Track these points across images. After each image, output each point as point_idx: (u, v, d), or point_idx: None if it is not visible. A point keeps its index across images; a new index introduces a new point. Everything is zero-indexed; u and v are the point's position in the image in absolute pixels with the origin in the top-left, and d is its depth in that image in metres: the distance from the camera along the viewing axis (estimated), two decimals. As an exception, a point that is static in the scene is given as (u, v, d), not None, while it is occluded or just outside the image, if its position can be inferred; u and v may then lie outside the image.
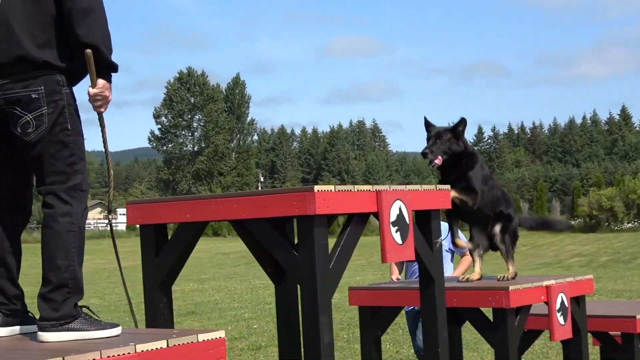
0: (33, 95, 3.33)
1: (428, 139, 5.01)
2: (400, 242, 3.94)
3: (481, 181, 5.03)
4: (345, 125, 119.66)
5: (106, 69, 3.46)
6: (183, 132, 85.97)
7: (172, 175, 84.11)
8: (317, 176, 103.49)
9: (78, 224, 3.38)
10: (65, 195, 3.36)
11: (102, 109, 3.57)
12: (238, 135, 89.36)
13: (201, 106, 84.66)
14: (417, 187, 4.18)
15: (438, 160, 4.88)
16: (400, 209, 3.95)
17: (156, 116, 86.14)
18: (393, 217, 3.90)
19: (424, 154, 4.96)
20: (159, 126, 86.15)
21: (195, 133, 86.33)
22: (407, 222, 3.99)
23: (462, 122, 5.00)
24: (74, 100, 3.48)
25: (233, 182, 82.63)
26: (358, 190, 3.79)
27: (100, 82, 3.45)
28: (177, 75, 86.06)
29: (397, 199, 3.94)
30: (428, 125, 5.07)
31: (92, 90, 3.45)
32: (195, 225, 4.08)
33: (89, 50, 3.34)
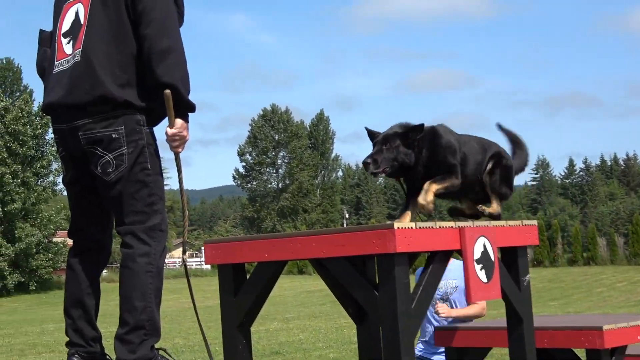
0: (114, 135, 3.39)
1: (374, 146, 4.23)
2: (485, 280, 3.83)
3: (453, 154, 4.22)
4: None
5: (184, 109, 3.50)
6: (267, 169, 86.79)
7: (257, 213, 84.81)
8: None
9: (156, 265, 3.40)
10: (144, 235, 3.40)
11: (180, 149, 3.60)
12: (322, 172, 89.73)
13: (285, 143, 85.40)
14: (502, 223, 4.07)
15: (382, 175, 4.16)
16: (484, 246, 3.85)
17: (241, 154, 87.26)
18: (477, 255, 3.80)
19: (364, 164, 4.15)
20: (244, 164, 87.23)
21: (280, 170, 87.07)
22: (492, 259, 3.88)
23: (417, 128, 4.17)
24: (154, 139, 3.52)
25: (318, 219, 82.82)
26: (440, 227, 3.71)
27: (178, 122, 3.48)
28: (261, 112, 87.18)
29: (481, 236, 3.84)
30: (372, 135, 4.26)
31: (170, 131, 3.49)
32: (274, 265, 4.06)
33: (167, 91, 3.38)
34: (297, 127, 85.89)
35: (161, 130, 3.60)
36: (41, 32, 3.84)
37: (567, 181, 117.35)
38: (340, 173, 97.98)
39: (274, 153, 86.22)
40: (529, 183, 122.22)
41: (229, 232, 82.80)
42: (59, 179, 52.13)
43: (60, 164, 3.92)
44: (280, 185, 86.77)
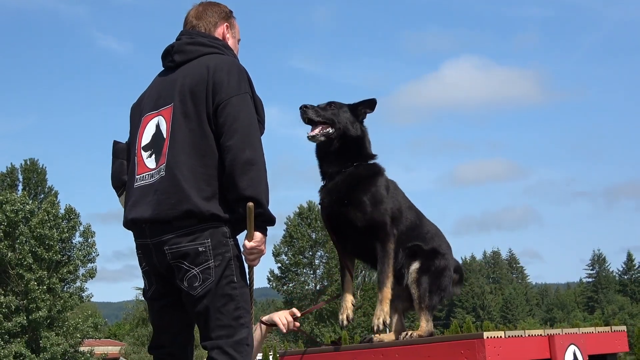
0: (200, 249, 3.54)
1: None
2: (577, 391, 3.90)
3: (386, 190, 3.92)
4: (479, 256, 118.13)
5: (265, 222, 3.64)
6: (304, 270, 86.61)
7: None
8: (449, 312, 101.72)
9: None
10: (231, 350, 3.51)
11: (255, 263, 3.74)
12: (363, 271, 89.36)
13: (323, 242, 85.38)
14: (591, 329, 4.17)
15: (319, 131, 3.88)
16: (574, 354, 3.93)
17: (276, 254, 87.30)
18: (568, 364, 3.89)
19: (303, 109, 3.91)
20: (279, 264, 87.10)
21: (317, 270, 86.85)
22: (583, 368, 3.96)
23: (370, 102, 3.97)
24: (239, 251, 3.67)
25: (359, 322, 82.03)
26: (529, 335, 3.81)
27: (258, 235, 3.63)
28: (297, 210, 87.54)
29: (571, 344, 3.93)
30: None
31: (249, 244, 3.62)
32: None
33: (250, 204, 3.53)
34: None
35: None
36: (115, 143, 4.04)
37: (625, 277, 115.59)
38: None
39: (310, 253, 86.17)
40: (585, 280, 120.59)
41: (266, 339, 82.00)
42: (87, 285, 52.52)
43: (142, 278, 3.98)
44: (318, 287, 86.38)
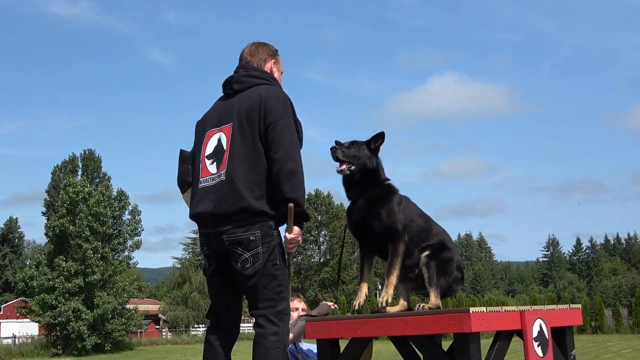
0: (251, 238, 3.66)
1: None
2: (541, 355, 4.01)
3: (398, 205, 4.06)
4: (454, 238, 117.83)
5: (302, 219, 3.79)
6: (311, 246, 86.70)
7: (301, 284, 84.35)
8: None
9: (283, 342, 3.65)
10: (274, 317, 3.65)
11: (293, 250, 3.88)
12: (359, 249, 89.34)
13: (327, 223, 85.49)
14: (554, 307, 4.28)
15: (345, 167, 3.97)
16: (540, 326, 4.04)
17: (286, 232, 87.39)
18: (535, 334, 3.99)
19: (333, 148, 4.00)
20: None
21: (322, 247, 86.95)
22: (547, 337, 4.08)
23: (379, 136, 4.06)
24: (281, 240, 3.81)
25: (354, 289, 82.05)
26: (505, 310, 3.94)
27: (296, 229, 3.76)
28: (307, 197, 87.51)
29: (538, 318, 4.04)
30: (338, 144, 4.09)
31: (289, 236, 3.76)
32: (365, 340, 4.28)
33: (291, 204, 3.68)
34: (337, 209, 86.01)
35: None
36: (182, 152, 4.16)
37: (575, 258, 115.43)
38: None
39: (317, 232, 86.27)
40: (541, 259, 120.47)
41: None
42: (133, 254, 52.60)
43: (202, 258, 4.12)
44: (322, 260, 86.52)
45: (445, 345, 4.31)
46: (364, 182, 4.10)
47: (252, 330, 3.83)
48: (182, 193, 4.18)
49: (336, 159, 4.04)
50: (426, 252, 4.13)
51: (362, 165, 4.04)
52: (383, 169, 4.21)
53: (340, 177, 4.16)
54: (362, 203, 4.08)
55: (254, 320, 3.70)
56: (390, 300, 4.10)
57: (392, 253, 4.02)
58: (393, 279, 4.04)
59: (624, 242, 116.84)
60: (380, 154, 4.19)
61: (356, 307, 4.14)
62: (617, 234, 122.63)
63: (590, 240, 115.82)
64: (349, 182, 4.13)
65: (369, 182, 4.10)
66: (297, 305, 5.61)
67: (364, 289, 4.24)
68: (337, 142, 4.11)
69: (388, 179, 4.20)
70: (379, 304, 4.07)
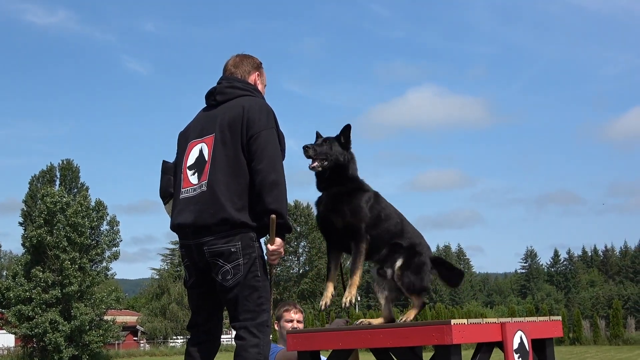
0: (232, 249, 3.65)
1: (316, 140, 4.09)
2: (522, 367, 4.04)
3: (366, 203, 4.00)
4: (433, 249, 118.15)
5: (284, 230, 3.77)
6: (290, 257, 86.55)
7: (280, 295, 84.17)
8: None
9: (264, 354, 3.64)
10: (255, 330, 3.63)
11: (275, 262, 3.87)
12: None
13: (306, 234, 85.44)
14: (534, 319, 4.29)
15: (317, 164, 3.95)
16: (521, 338, 4.05)
17: (266, 243, 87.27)
18: (515, 346, 4.00)
19: (305, 147, 3.95)
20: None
21: (301, 258, 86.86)
22: (527, 349, 4.08)
23: (346, 128, 4.05)
24: (262, 252, 3.79)
25: (334, 301, 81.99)
26: (486, 322, 3.94)
27: (278, 241, 3.75)
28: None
29: (519, 330, 4.05)
30: (318, 136, 4.12)
31: (271, 247, 3.75)
32: (346, 352, 4.26)
33: (274, 216, 3.66)
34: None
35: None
36: (164, 162, 4.15)
37: (552, 269, 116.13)
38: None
39: (296, 243, 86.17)
40: (519, 271, 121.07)
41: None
42: (112, 265, 52.26)
43: (183, 269, 4.07)
44: (301, 271, 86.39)
45: (426, 356, 4.31)
46: (333, 177, 4.05)
47: (232, 342, 3.81)
48: (164, 204, 4.17)
49: (308, 156, 4.00)
50: (399, 262, 4.07)
51: (334, 161, 4.00)
52: (355, 164, 4.14)
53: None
54: (327, 197, 4.02)
55: (235, 332, 3.68)
56: (353, 301, 4.10)
57: (355, 253, 3.98)
58: (356, 279, 4.01)
59: (601, 253, 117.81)
60: (358, 157, 4.15)
61: (322, 307, 4.12)
62: (595, 245, 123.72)
63: (568, 252, 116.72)
64: (320, 177, 4.08)
65: (337, 177, 4.04)
66: (293, 317, 5.51)
67: (330, 288, 4.20)
68: (313, 145, 4.01)
69: (356, 177, 4.12)
70: (343, 304, 4.04)
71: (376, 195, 4.20)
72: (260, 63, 4.21)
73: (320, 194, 4.22)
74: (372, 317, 4.25)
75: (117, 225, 48.42)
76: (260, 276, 3.72)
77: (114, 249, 47.85)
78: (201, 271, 3.80)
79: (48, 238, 43.55)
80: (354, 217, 3.96)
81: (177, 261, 74.93)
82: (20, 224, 57.17)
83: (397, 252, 4.10)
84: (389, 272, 4.15)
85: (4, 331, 48.21)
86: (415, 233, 4.26)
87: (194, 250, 3.76)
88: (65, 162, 60.17)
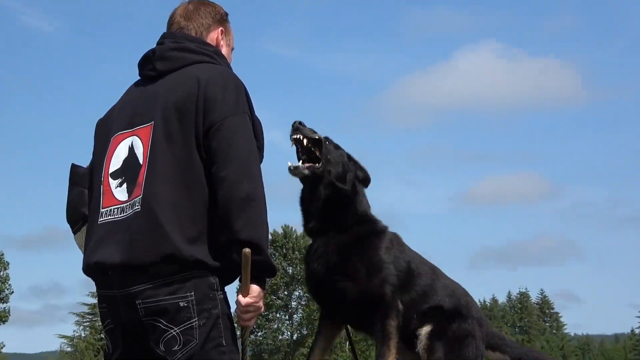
0: (181, 304, 3.61)
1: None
2: None
3: (387, 253, 4.03)
4: (502, 299, 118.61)
5: (263, 272, 3.72)
6: (278, 315, 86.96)
7: None
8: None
9: None
10: None
11: (251, 323, 3.83)
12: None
13: (301, 279, 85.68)
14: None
15: (308, 167, 4.07)
16: None
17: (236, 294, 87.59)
18: None
19: (296, 126, 4.12)
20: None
21: (295, 315, 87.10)
22: None
23: (365, 174, 4.19)
24: (229, 307, 3.76)
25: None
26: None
27: (255, 289, 3.70)
28: (270, 237, 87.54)
29: None
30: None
31: (244, 300, 3.70)
32: None
33: (247, 250, 3.59)
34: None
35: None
36: (74, 166, 4.11)
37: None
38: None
39: (286, 292, 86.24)
40: (637, 330, 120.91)
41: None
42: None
43: (104, 336, 4.03)
44: (295, 337, 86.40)
45: None
46: (333, 209, 4.06)
47: None
48: (74, 232, 4.16)
49: (297, 143, 4.02)
50: (428, 327, 4.04)
51: (337, 174, 4.01)
52: (365, 195, 4.20)
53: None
54: (325, 247, 4.04)
55: None
56: None
57: (382, 337, 3.91)
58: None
59: None
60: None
61: None
62: None
63: None
64: (309, 199, 4.11)
65: (340, 210, 4.06)
66: None
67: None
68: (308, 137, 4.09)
69: (369, 213, 4.17)
70: None
71: (396, 237, 4.17)
72: (226, 14, 4.22)
73: (309, 240, 4.16)
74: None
75: (5, 269, 48.52)
76: (225, 346, 3.70)
77: (2, 305, 47.91)
78: (132, 338, 3.78)
79: None
80: (375, 278, 3.94)
81: (99, 324, 75.14)
82: None
83: (431, 316, 4.08)
84: (416, 341, 4.10)
85: None
86: (455, 287, 4.27)
87: (120, 305, 3.74)
88: None
